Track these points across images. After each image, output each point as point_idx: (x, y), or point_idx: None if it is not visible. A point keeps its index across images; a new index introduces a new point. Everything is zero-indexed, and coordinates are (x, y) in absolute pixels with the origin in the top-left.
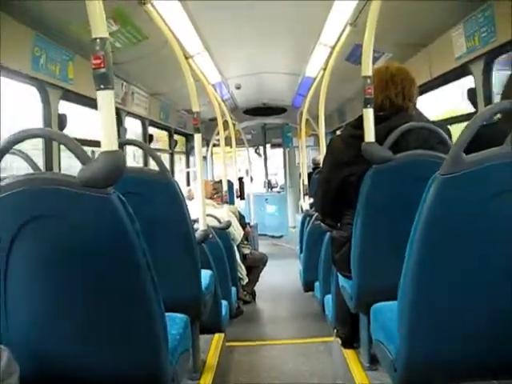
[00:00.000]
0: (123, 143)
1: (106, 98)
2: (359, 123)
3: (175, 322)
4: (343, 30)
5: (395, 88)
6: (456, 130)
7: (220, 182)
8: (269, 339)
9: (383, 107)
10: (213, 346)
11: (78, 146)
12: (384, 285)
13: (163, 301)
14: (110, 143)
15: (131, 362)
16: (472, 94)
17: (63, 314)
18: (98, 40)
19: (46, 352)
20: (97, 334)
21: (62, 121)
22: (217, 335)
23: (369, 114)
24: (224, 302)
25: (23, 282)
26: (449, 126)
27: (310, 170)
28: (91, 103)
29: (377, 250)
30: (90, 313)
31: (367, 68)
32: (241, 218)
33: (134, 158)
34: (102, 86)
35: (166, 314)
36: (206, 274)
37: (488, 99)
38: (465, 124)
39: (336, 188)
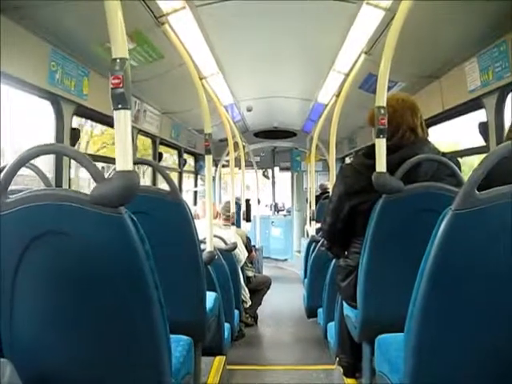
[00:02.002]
0: (134, 162)
1: (123, 118)
2: (371, 152)
3: (179, 344)
4: (358, 59)
5: (416, 118)
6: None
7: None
8: (270, 364)
9: (406, 138)
10: (213, 368)
11: (92, 164)
12: (390, 316)
13: (168, 321)
14: (125, 163)
15: (133, 382)
16: (484, 128)
17: (68, 331)
18: (118, 60)
19: (49, 368)
20: (100, 353)
21: (74, 135)
22: (218, 358)
23: (381, 144)
24: (227, 325)
25: (30, 297)
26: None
27: (317, 194)
28: (104, 119)
29: (383, 281)
30: (94, 331)
31: (382, 98)
32: (248, 242)
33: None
34: (119, 106)
35: (171, 335)
36: (210, 297)
37: (500, 133)
38: (474, 157)
39: (346, 217)
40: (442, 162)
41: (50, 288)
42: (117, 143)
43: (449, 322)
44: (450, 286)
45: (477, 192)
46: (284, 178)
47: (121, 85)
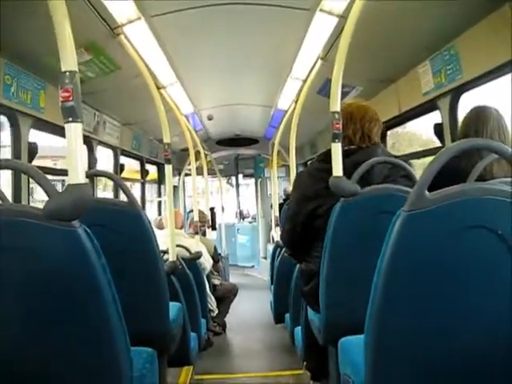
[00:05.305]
0: (92, 174)
1: (74, 131)
2: (327, 157)
3: (141, 356)
4: (314, 64)
5: (354, 126)
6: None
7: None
8: (239, 372)
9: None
10: (181, 379)
11: (44, 179)
12: (352, 318)
13: (130, 334)
14: (76, 176)
15: None
16: (439, 129)
17: (24, 347)
18: (67, 73)
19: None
20: (59, 368)
21: (32, 149)
22: (185, 368)
23: (337, 149)
24: (193, 334)
25: None
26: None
27: (281, 201)
28: (62, 132)
29: (344, 284)
30: (52, 347)
31: (335, 103)
32: (215, 253)
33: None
34: (70, 119)
35: (132, 348)
36: (174, 307)
37: (454, 134)
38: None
39: (304, 222)
40: (397, 164)
41: (4, 303)
42: (68, 156)
43: (406, 322)
44: (405, 286)
45: (427, 193)
46: (248, 185)
47: (70, 98)
